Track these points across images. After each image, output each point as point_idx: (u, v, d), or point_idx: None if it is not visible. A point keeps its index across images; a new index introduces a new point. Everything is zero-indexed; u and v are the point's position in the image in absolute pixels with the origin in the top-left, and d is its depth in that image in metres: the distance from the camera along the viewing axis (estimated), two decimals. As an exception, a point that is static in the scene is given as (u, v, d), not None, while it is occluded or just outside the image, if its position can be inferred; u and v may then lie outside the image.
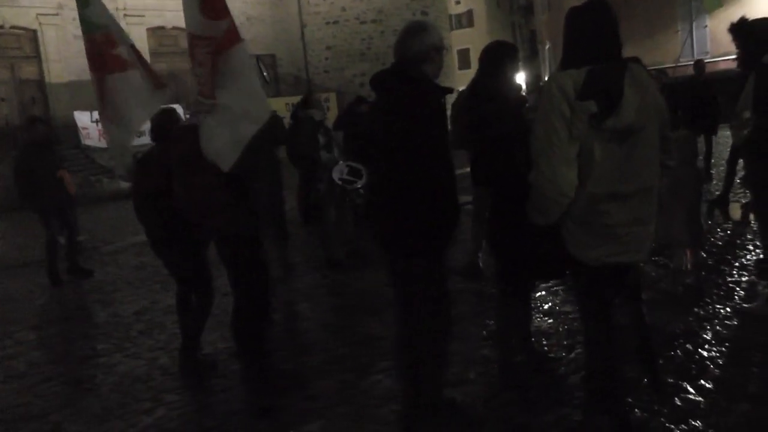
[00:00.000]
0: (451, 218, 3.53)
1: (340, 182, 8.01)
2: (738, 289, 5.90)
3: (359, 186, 7.99)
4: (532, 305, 5.66)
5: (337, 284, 7.85)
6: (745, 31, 5.32)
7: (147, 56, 24.97)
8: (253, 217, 4.62)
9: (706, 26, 32.58)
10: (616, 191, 3.02)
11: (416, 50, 3.50)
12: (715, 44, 31.12)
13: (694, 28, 27.40)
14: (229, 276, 4.71)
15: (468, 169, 4.33)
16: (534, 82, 44.74)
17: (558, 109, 2.97)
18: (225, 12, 4.15)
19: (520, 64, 4.33)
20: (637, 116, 3.00)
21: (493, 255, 4.26)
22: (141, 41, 25.32)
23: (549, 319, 5.70)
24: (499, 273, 4.21)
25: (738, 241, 7.56)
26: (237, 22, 4.37)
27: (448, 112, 4.09)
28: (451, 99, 4.48)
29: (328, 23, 30.33)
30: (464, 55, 46.09)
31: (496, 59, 4.20)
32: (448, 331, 3.79)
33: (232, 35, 4.16)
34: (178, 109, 8.88)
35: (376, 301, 6.37)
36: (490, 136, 3.91)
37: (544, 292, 6.31)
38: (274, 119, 7.04)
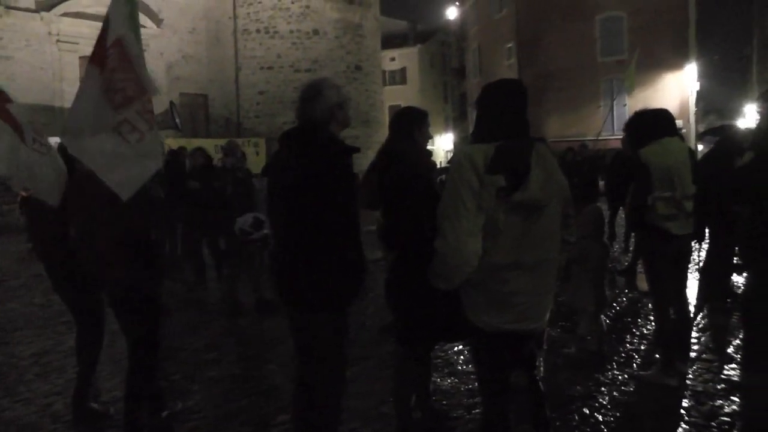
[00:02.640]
0: (353, 275, 3.58)
1: (239, 232, 8.03)
2: (636, 356, 6.17)
3: (257, 238, 8.04)
4: (435, 364, 5.81)
5: (248, 332, 7.80)
6: (632, 126, 5.74)
7: (78, 86, 24.69)
8: (151, 270, 4.55)
9: (625, 104, 34.20)
10: (517, 262, 3.13)
11: (320, 112, 3.57)
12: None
13: (614, 105, 28.69)
14: (120, 325, 4.61)
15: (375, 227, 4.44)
16: (462, 143, 45.67)
17: (467, 181, 3.08)
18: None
19: (430, 129, 4.42)
20: (542, 192, 3.15)
21: (393, 314, 4.29)
22: (73, 70, 24.89)
23: (451, 378, 5.79)
24: (399, 332, 4.24)
25: (641, 311, 7.94)
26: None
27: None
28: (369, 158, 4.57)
29: (262, 68, 30.45)
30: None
31: (406, 124, 4.29)
32: (342, 387, 3.79)
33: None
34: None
35: (284, 351, 6.37)
36: (398, 198, 3.98)
37: (448, 351, 6.41)
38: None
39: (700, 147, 29.23)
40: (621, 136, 7.80)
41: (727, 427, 4.71)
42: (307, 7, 30.16)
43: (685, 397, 5.27)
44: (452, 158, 3.36)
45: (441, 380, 5.72)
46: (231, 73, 30.87)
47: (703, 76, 40.01)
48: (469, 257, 3.11)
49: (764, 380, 4.69)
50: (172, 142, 16.94)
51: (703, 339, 6.77)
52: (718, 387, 5.49)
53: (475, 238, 3.10)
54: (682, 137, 5.79)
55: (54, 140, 5.13)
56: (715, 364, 6.06)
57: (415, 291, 3.70)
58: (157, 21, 27.33)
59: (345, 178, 3.54)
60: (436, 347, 5.98)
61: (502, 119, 3.23)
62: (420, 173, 4.02)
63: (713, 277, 7.46)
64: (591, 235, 5.98)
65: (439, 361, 6.10)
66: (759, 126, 5.82)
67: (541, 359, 5.84)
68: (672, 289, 5.60)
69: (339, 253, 3.47)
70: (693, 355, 6.25)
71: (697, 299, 7.52)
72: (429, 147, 4.60)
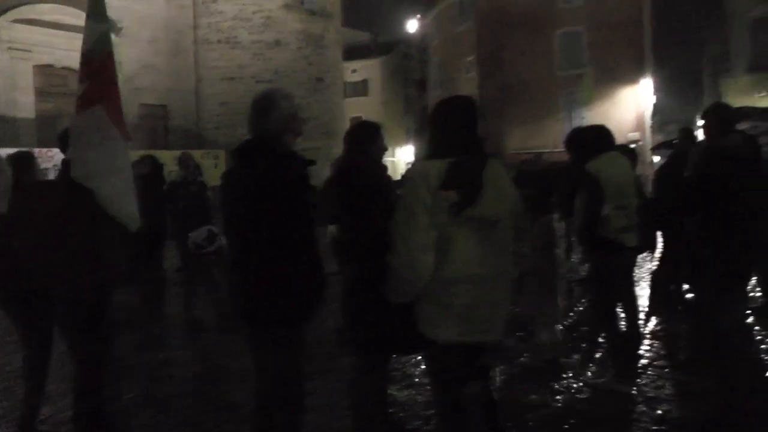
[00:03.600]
0: (309, 290, 3.61)
1: (193, 246, 7.98)
2: (591, 364, 6.27)
3: (211, 251, 8.02)
4: (393, 375, 5.85)
5: (206, 348, 7.70)
6: (574, 142, 5.88)
7: (32, 95, 24.26)
8: (100, 285, 4.48)
9: (584, 117, 34.82)
10: (469, 275, 3.20)
11: (274, 124, 3.59)
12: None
13: (573, 117, 29.18)
14: (66, 342, 4.54)
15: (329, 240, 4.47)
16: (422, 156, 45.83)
17: (420, 197, 3.15)
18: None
19: (387, 142, 4.49)
20: (495, 207, 3.23)
21: (349, 327, 4.32)
22: (26, 79, 24.41)
23: (409, 389, 5.83)
24: (356, 345, 4.27)
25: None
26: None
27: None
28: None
29: (223, 79, 30.23)
30: None
31: (358, 138, 4.34)
32: (301, 404, 3.81)
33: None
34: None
35: (243, 367, 6.26)
36: (354, 212, 4.01)
37: (405, 363, 6.44)
38: None
39: (656, 159, 29.75)
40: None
41: (677, 431, 4.84)
42: (269, 17, 30.04)
43: (638, 403, 5.40)
44: (405, 174, 3.42)
45: (398, 392, 5.75)
46: (191, 84, 30.61)
47: (659, 90, 40.80)
48: (421, 272, 3.17)
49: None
50: (131, 155, 16.68)
51: (655, 345, 6.93)
52: (669, 392, 5.64)
53: (427, 252, 3.15)
54: (633, 151, 5.97)
55: (5, 151, 5.09)
56: (667, 370, 6.22)
57: (371, 304, 3.71)
58: (116, 30, 27.04)
59: (301, 190, 3.57)
60: (394, 359, 6.01)
61: (454, 135, 3.30)
62: (376, 187, 4.05)
63: (664, 285, 7.63)
64: (544, 246, 6.11)
65: (396, 373, 6.14)
66: (699, 143, 6.01)
67: (498, 369, 5.98)
68: (621, 299, 5.77)
69: (295, 267, 3.49)
70: (645, 361, 6.41)
71: (649, 307, 7.68)
72: (391, 159, 4.65)
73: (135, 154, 17.07)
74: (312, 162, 3.71)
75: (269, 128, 3.59)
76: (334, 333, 7.02)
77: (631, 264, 5.90)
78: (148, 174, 9.00)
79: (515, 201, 3.46)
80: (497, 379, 5.87)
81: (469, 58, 41.58)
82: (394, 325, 3.52)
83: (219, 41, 30.28)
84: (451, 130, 3.33)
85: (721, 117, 4.87)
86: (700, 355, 5.54)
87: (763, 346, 6.85)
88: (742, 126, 9.31)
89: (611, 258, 5.52)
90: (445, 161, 3.18)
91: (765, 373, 5.97)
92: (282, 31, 30.21)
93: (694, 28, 36.26)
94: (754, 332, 7.17)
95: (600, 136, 5.76)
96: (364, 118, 43.31)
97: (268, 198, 3.43)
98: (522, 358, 6.50)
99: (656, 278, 7.72)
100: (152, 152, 21.53)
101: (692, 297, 6.36)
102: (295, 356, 3.66)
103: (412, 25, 49.14)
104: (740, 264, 4.64)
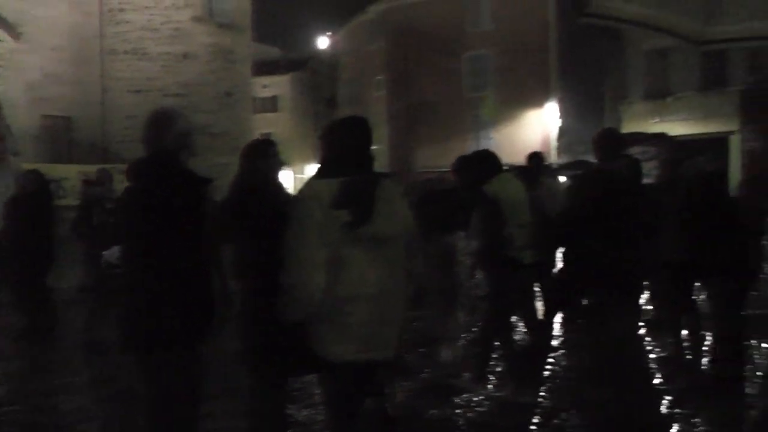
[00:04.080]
0: (199, 310, 3.55)
1: (105, 265, 7.78)
2: (492, 377, 6.45)
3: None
4: (293, 395, 5.81)
5: (105, 371, 7.33)
6: (465, 167, 6.16)
7: None
8: None
9: (491, 138, 35.68)
10: (360, 294, 3.22)
11: (171, 139, 3.56)
12: (499, 154, 33.95)
13: (480, 138, 29.85)
14: None
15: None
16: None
17: (311, 216, 3.16)
18: None
19: (279, 159, 4.50)
20: (387, 226, 3.29)
21: (245, 348, 4.30)
22: None
23: (308, 409, 5.82)
24: (252, 366, 4.26)
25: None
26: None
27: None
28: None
29: (130, 91, 29.39)
30: None
31: (248, 156, 4.40)
32: (193, 427, 3.72)
33: None
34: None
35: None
36: (250, 230, 4.04)
37: (305, 382, 6.31)
38: None
39: (563, 179, 30.62)
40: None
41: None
42: (178, 29, 29.37)
43: (538, 414, 5.61)
44: (297, 193, 3.44)
45: (298, 412, 5.74)
46: (97, 95, 29.66)
47: (564, 113, 42.07)
48: (312, 291, 3.16)
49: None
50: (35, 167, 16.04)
51: (556, 357, 7.19)
52: (569, 403, 5.87)
53: (318, 271, 3.15)
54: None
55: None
56: (567, 381, 6.46)
57: (265, 324, 3.69)
58: (15, 35, 26.07)
59: (195, 209, 3.55)
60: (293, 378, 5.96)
61: (347, 155, 3.34)
62: (268, 205, 4.06)
63: (562, 298, 7.87)
64: (445, 263, 6.26)
65: (297, 392, 6.08)
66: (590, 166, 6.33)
67: (400, 385, 6.08)
68: (521, 315, 6.00)
69: (184, 287, 3.45)
70: (547, 373, 6.63)
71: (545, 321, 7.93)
72: (301, 176, 4.69)
73: (43, 168, 16.48)
74: (209, 180, 3.68)
75: (166, 145, 3.56)
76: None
77: (530, 280, 6.16)
78: (34, 192, 8.63)
79: (407, 220, 3.53)
80: (399, 395, 5.94)
81: (379, 77, 41.96)
82: (289, 346, 3.48)
83: (126, 52, 29.49)
84: (344, 150, 3.37)
85: (608, 142, 5.14)
86: (598, 366, 5.78)
87: (653, 356, 7.23)
88: (634, 150, 9.84)
89: (511, 275, 5.74)
90: (337, 180, 3.21)
91: (655, 382, 6.28)
92: (191, 43, 29.63)
93: (596, 57, 37.58)
94: (646, 344, 7.55)
95: (491, 159, 6.08)
96: (273, 134, 42.75)
97: (161, 216, 3.40)
98: (424, 374, 6.62)
99: (552, 292, 7.92)
100: (54, 166, 20.89)
101: (587, 310, 6.64)
102: (184, 380, 3.54)
103: (323, 42, 49.21)
104: (627, 279, 4.89)
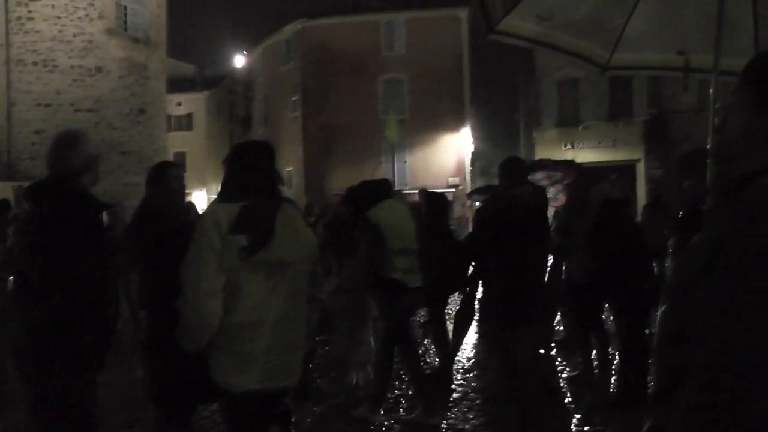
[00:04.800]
0: (92, 337, 3.44)
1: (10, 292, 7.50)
2: (403, 400, 6.53)
3: None
4: (201, 424, 5.75)
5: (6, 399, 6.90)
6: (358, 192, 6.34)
7: None
8: None
9: (405, 161, 36.08)
10: (259, 320, 3.15)
11: (76, 162, 3.49)
12: (413, 177, 34.58)
13: (395, 161, 30.15)
14: None
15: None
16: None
17: (209, 241, 3.09)
18: None
19: (182, 182, 4.43)
20: (287, 252, 3.24)
21: (147, 378, 4.17)
22: None
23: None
24: (154, 396, 4.14)
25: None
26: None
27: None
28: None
29: (39, 105, 28.41)
30: (181, 158, 45.00)
31: (154, 179, 4.30)
32: None
33: None
34: None
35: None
36: (153, 255, 3.94)
37: (214, 411, 6.13)
38: None
39: (477, 203, 31.22)
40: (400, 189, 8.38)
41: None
42: (90, 41, 28.55)
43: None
44: (198, 218, 3.38)
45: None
46: (2, 108, 28.55)
47: (478, 138, 42.95)
48: (209, 318, 3.09)
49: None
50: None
51: (467, 378, 7.28)
52: (477, 423, 5.98)
53: (215, 299, 3.08)
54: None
55: None
56: (477, 402, 6.54)
57: (166, 353, 3.55)
58: None
59: (95, 235, 3.47)
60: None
61: (248, 179, 3.29)
62: (170, 230, 3.95)
63: (467, 322, 7.97)
64: (353, 287, 6.28)
65: (204, 420, 5.92)
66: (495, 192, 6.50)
67: (310, 410, 6.05)
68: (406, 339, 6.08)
69: (76, 313, 3.33)
70: (457, 395, 6.71)
71: (453, 343, 8.01)
72: (214, 197, 4.62)
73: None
74: (109, 205, 3.64)
75: (69, 167, 3.48)
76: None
77: (417, 304, 6.29)
78: None
79: (311, 245, 3.51)
80: (308, 420, 5.89)
81: (294, 98, 41.80)
82: (190, 375, 3.37)
83: (35, 63, 28.45)
84: (246, 174, 3.31)
85: (511, 169, 5.28)
86: (505, 386, 5.90)
87: (563, 375, 7.40)
88: (539, 175, 10.22)
89: (396, 299, 5.83)
90: (238, 204, 3.16)
91: (563, 401, 6.43)
92: (104, 57, 28.87)
93: (510, 84, 38.62)
94: (557, 363, 7.73)
95: (379, 187, 6.31)
96: (188, 153, 42.09)
97: (57, 242, 3.30)
98: (334, 399, 6.58)
99: (459, 315, 8.00)
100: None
101: (491, 332, 6.80)
102: (75, 409, 3.42)
103: (239, 61, 48.74)
104: (529, 303, 5.03)
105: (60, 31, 27.98)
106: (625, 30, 4.12)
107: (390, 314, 6.01)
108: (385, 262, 5.74)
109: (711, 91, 3.59)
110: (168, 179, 4.27)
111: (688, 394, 1.42)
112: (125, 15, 29.89)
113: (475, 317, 7.80)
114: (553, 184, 9.91)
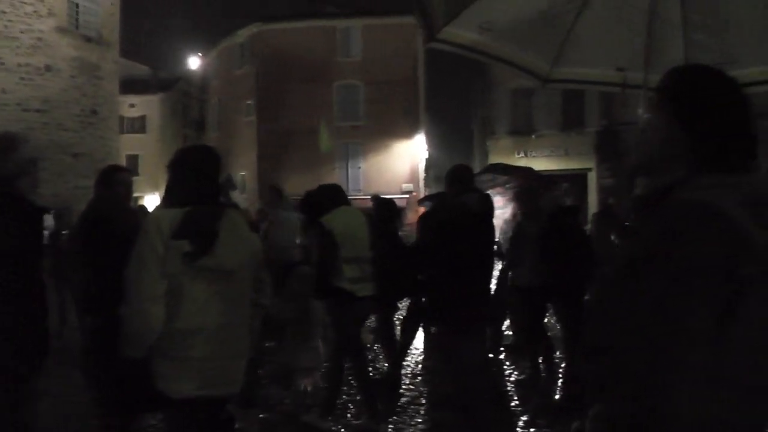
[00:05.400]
0: (28, 343, 3.39)
1: None
2: (352, 406, 6.56)
3: None
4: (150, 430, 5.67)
5: None
6: (314, 197, 6.31)
7: None
8: None
9: (360, 167, 36.13)
10: (202, 327, 3.13)
11: (13, 166, 3.44)
12: (366, 183, 34.64)
13: (349, 167, 30.20)
14: None
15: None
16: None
17: (151, 246, 3.06)
18: None
19: (130, 187, 4.40)
20: (230, 258, 3.22)
21: (89, 385, 4.13)
22: None
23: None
24: (101, 405, 4.08)
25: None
26: None
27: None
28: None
29: (-16, 104, 27.77)
30: (133, 161, 44.29)
31: (106, 184, 4.27)
32: None
33: None
34: None
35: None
36: (93, 262, 3.90)
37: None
38: None
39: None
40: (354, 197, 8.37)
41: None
42: (40, 39, 27.74)
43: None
44: (142, 223, 3.33)
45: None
46: (-56, 106, 27.75)
47: (432, 146, 43.26)
48: (151, 323, 3.05)
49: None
50: None
51: (415, 384, 7.30)
52: (423, 428, 6.06)
53: (157, 304, 3.05)
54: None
55: None
56: (423, 408, 6.55)
57: (109, 359, 3.46)
58: None
59: (32, 239, 3.43)
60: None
61: (193, 184, 3.27)
62: (121, 234, 3.85)
63: (414, 328, 7.98)
64: (300, 295, 6.24)
65: (151, 429, 5.81)
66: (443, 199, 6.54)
67: (258, 418, 6.01)
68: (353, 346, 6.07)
69: (11, 319, 3.28)
70: (405, 399, 6.73)
71: (400, 348, 8.02)
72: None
73: None
74: (46, 209, 3.56)
75: (6, 170, 3.41)
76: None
77: (366, 312, 6.27)
78: None
79: (254, 251, 3.49)
80: (255, 428, 5.88)
81: (249, 102, 41.59)
82: (131, 382, 3.29)
83: (-21, 60, 27.70)
84: (190, 179, 3.29)
85: (459, 178, 5.34)
86: (451, 392, 5.94)
87: (511, 379, 7.49)
88: (486, 176, 10.42)
89: (346, 307, 5.80)
90: (181, 210, 3.14)
91: (509, 405, 6.48)
92: (54, 56, 28.17)
93: (464, 93, 38.99)
94: (505, 367, 7.78)
95: (335, 192, 6.25)
96: (141, 156, 41.53)
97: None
98: (283, 406, 6.55)
99: (406, 321, 7.99)
100: None
101: (438, 338, 6.85)
102: (14, 415, 3.35)
103: (194, 63, 48.24)
104: (476, 309, 5.05)
105: (6, 27, 26.92)
106: (565, 44, 4.18)
107: (339, 324, 6.00)
108: (335, 271, 5.70)
109: (639, 110, 3.67)
110: (116, 184, 4.23)
111: (612, 404, 1.45)
112: (77, 13, 29.23)
113: (423, 323, 7.83)
114: (494, 186, 10.08)
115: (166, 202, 3.28)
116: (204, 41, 49.43)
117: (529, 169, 12.55)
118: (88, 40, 29.73)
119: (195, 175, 3.28)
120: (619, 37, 3.96)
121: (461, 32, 3.99)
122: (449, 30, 3.91)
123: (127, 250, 3.20)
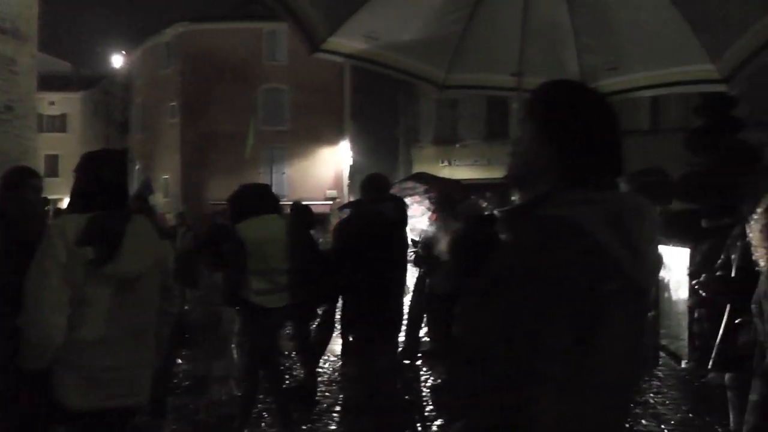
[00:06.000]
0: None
1: None
2: (266, 414, 6.46)
3: None
4: None
5: None
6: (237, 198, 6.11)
7: None
8: None
9: (284, 173, 35.95)
10: (106, 336, 3.05)
11: None
12: (291, 189, 34.51)
13: (273, 172, 30.00)
14: None
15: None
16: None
17: (53, 253, 2.97)
18: None
19: (40, 190, 4.27)
20: (136, 264, 3.16)
21: None
22: None
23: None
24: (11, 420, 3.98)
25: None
26: None
27: None
28: None
29: None
30: (53, 161, 42.52)
31: (14, 186, 4.14)
32: None
33: None
34: None
35: None
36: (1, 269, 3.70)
37: None
38: None
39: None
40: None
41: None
42: (-51, 30, 26.90)
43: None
44: (46, 230, 3.24)
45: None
46: None
47: (358, 152, 43.31)
48: (52, 333, 2.95)
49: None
50: None
51: (329, 390, 7.32)
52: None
53: (59, 313, 2.96)
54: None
55: None
56: (339, 414, 6.59)
57: (8, 371, 3.32)
58: None
59: None
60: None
61: (98, 190, 3.20)
62: (27, 240, 3.66)
63: (328, 335, 7.99)
64: (212, 303, 6.16)
65: None
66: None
67: (169, 428, 5.93)
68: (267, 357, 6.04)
69: None
70: (321, 407, 6.74)
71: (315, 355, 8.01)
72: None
73: None
74: None
75: None
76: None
77: (279, 324, 6.18)
78: None
79: (161, 258, 3.44)
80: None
81: (173, 103, 40.78)
82: (30, 395, 3.19)
83: None
84: (94, 184, 3.21)
85: (375, 186, 5.41)
86: (362, 398, 5.97)
87: (428, 384, 7.60)
88: (408, 185, 10.59)
89: (255, 317, 5.73)
90: (86, 216, 3.07)
91: (423, 410, 6.56)
92: (-35, 49, 27.22)
93: (390, 101, 39.18)
94: (422, 373, 7.87)
95: (261, 196, 6.03)
96: (61, 156, 40.30)
97: None
98: (197, 416, 6.45)
99: (320, 328, 7.96)
100: None
101: (351, 344, 6.90)
102: None
103: (117, 61, 46.99)
104: (388, 316, 5.10)
105: None
106: (459, 51, 4.22)
107: (251, 335, 5.92)
108: (242, 282, 5.59)
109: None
110: (25, 188, 4.09)
111: (476, 417, 1.46)
112: (-9, 4, 28.23)
113: (337, 330, 7.83)
114: (414, 194, 10.21)
115: (71, 207, 3.22)
116: (129, 38, 48.37)
117: (456, 182, 12.72)
118: (2, 32, 28.61)
119: (100, 181, 3.21)
120: (512, 42, 3.97)
121: (346, 42, 4.00)
122: (334, 40, 3.91)
123: (30, 257, 3.10)
